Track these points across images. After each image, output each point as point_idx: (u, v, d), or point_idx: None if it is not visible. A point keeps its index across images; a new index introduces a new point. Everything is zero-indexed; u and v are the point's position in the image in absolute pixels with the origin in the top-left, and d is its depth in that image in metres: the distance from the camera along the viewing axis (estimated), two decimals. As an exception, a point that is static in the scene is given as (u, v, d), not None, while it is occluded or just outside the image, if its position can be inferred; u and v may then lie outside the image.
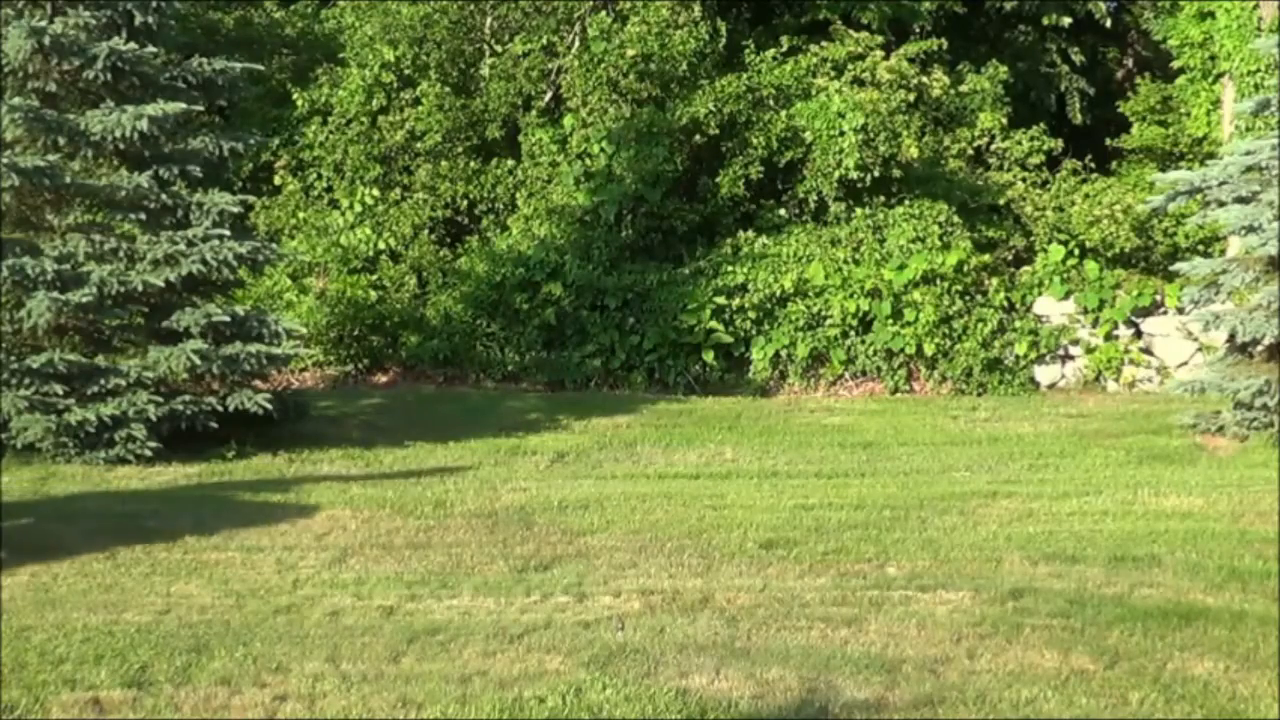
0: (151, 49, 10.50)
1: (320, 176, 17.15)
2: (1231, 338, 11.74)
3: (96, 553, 7.22)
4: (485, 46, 17.94)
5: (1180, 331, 15.04)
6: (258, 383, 11.33)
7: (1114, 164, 19.95)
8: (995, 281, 15.57)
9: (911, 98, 17.46)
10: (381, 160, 16.97)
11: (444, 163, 16.86)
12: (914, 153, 16.56)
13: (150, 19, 10.65)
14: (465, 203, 16.97)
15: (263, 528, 8.07)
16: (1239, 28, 17.09)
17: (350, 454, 10.55)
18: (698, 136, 16.22)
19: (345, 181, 16.88)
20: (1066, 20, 20.92)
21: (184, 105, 10.51)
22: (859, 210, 16.14)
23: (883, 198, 16.39)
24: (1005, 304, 15.41)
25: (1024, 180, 17.99)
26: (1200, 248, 16.50)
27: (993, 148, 18.47)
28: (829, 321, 15.07)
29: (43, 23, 10.15)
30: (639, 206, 16.03)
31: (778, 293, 15.14)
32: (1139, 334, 15.38)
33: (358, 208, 16.46)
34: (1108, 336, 15.22)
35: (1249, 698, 5.16)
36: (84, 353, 10.26)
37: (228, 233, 10.56)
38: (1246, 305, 11.68)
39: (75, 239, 10.38)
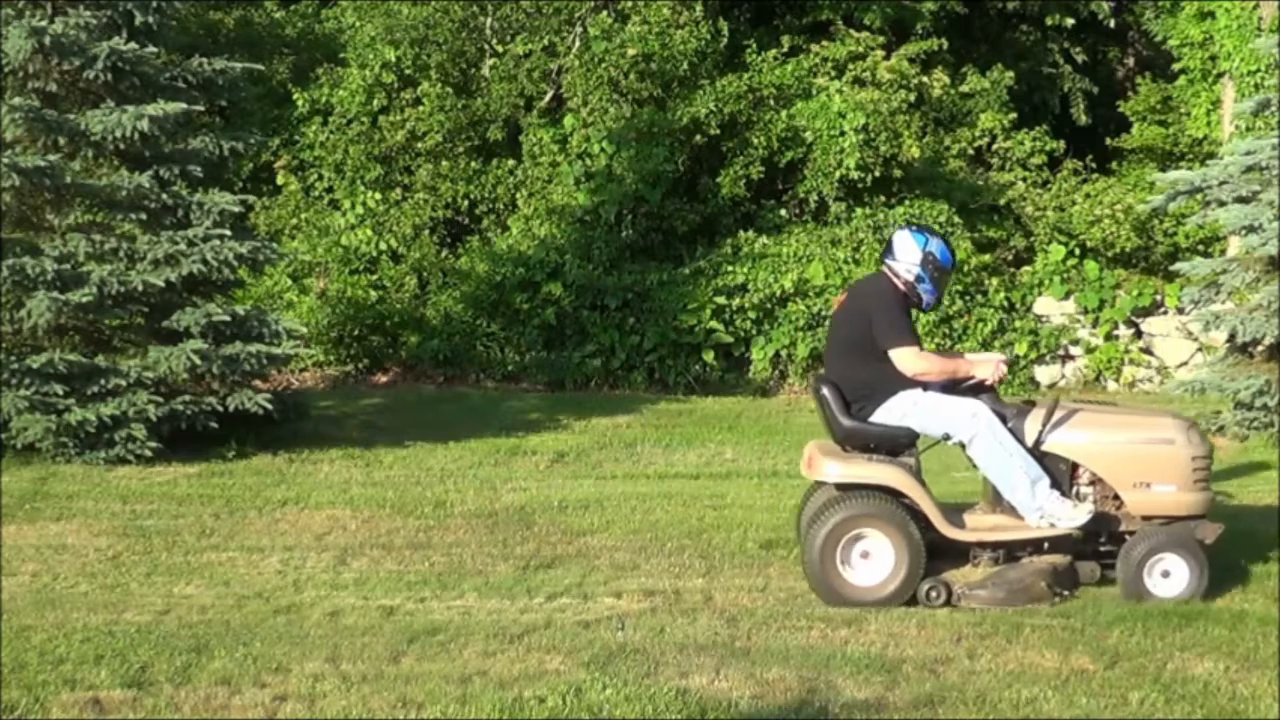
0: (152, 49, 10.47)
1: (321, 177, 17.15)
2: (1231, 338, 11.74)
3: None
4: (486, 47, 17.95)
5: (1180, 331, 15.05)
6: (258, 383, 11.31)
7: (1114, 164, 19.93)
8: (995, 281, 15.57)
9: (912, 98, 17.48)
10: (382, 160, 16.97)
11: (445, 163, 16.86)
12: (915, 153, 16.57)
13: (150, 19, 10.62)
14: (466, 203, 16.96)
15: (263, 528, 8.08)
16: (1239, 28, 17.08)
17: (350, 454, 10.55)
18: (698, 136, 16.22)
19: (346, 181, 16.87)
20: (1070, 21, 20.91)
21: (184, 105, 10.48)
22: (859, 210, 16.13)
23: (883, 198, 16.39)
24: (1005, 304, 15.41)
25: (1024, 180, 17.98)
26: (1200, 248, 16.49)
27: (994, 148, 18.47)
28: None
29: (43, 23, 10.12)
30: (639, 206, 16.03)
31: (778, 293, 15.14)
32: (1139, 334, 15.39)
33: (359, 209, 16.47)
34: (1108, 336, 15.22)
35: (1249, 698, 5.16)
36: (84, 353, 10.23)
37: (228, 233, 10.53)
38: (1246, 305, 11.69)
39: (75, 239, 10.36)
